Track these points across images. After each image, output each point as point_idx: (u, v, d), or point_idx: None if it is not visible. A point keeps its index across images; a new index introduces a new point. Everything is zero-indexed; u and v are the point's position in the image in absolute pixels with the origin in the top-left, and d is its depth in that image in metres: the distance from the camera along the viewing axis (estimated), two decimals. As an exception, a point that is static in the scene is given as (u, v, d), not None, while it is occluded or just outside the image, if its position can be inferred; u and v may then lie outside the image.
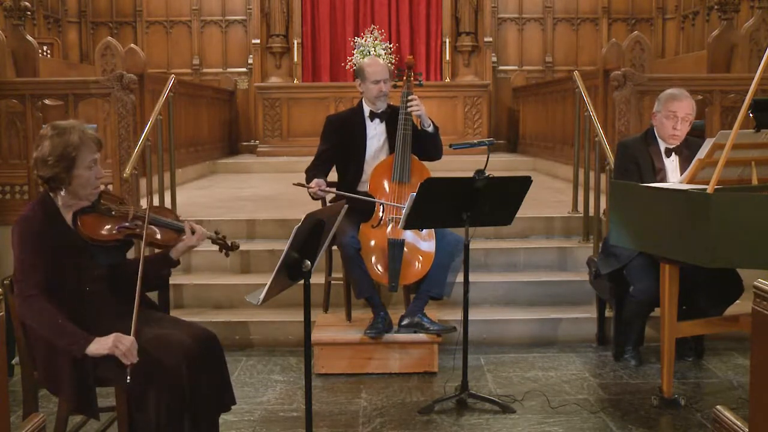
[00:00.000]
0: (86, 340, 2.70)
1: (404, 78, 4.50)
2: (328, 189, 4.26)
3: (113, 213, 2.93)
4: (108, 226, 2.90)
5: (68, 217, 2.88)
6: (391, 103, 4.56)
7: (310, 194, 4.29)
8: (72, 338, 2.70)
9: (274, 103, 10.64)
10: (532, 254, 5.33)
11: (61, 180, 2.81)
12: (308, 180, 4.35)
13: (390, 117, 4.47)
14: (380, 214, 4.29)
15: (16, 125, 5.70)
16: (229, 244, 3.15)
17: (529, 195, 3.75)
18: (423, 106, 4.36)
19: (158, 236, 2.99)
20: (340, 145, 4.47)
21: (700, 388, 4.01)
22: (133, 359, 2.68)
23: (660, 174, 4.10)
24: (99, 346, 2.69)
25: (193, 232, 3.01)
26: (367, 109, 4.50)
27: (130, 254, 3.17)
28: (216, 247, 3.18)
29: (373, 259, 4.20)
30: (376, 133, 4.49)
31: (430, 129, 4.40)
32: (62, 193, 2.85)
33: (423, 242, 4.22)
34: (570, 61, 12.05)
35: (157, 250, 3.12)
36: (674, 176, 4.10)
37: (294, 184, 4.33)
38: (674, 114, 4.05)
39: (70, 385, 2.76)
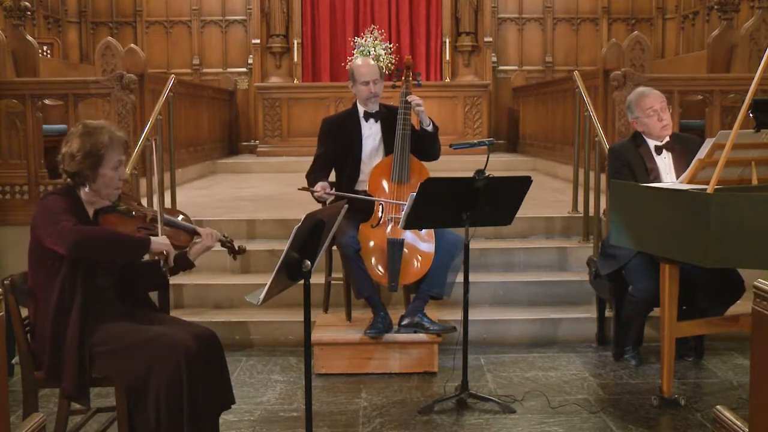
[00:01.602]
0: (147, 240, 2.89)
1: (403, 78, 4.50)
2: (331, 192, 4.25)
3: (133, 213, 3.02)
4: (128, 226, 2.98)
5: (90, 213, 2.94)
6: (389, 103, 4.56)
7: (315, 198, 4.30)
8: (136, 240, 2.89)
9: (274, 103, 10.63)
10: (531, 254, 5.33)
11: (86, 176, 2.88)
12: (311, 184, 4.36)
13: (385, 117, 4.47)
14: (380, 214, 4.29)
15: (16, 125, 5.71)
16: (237, 248, 3.21)
17: (529, 195, 3.75)
18: (423, 104, 4.36)
19: (173, 238, 3.04)
20: (336, 147, 4.47)
21: (700, 388, 4.01)
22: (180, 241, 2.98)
23: (653, 174, 4.11)
24: (157, 243, 2.91)
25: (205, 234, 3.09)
26: (361, 110, 4.50)
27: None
28: (224, 250, 3.25)
29: (373, 259, 4.20)
30: (371, 133, 4.49)
31: (430, 128, 4.40)
32: (85, 189, 2.92)
33: (422, 242, 4.22)
34: (570, 61, 12.04)
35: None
36: (667, 175, 4.11)
37: (299, 189, 4.35)
38: (653, 109, 4.09)
39: (71, 373, 2.79)
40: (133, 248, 2.89)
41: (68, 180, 2.93)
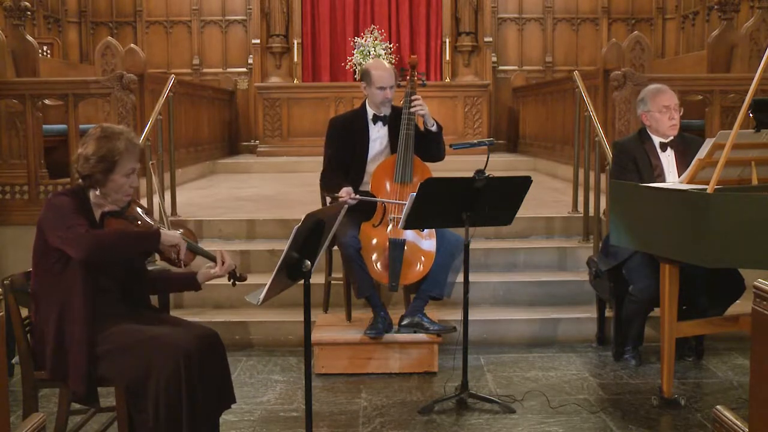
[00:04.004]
0: (157, 233, 2.90)
1: (407, 78, 4.48)
2: (357, 197, 4.21)
3: (139, 223, 2.98)
4: None
5: (97, 215, 2.94)
6: (393, 104, 4.55)
7: (340, 202, 4.23)
8: (146, 234, 2.92)
9: (274, 103, 10.63)
10: (532, 254, 5.33)
11: (97, 180, 2.88)
12: (330, 188, 4.33)
13: (392, 119, 4.46)
14: (381, 213, 4.29)
15: (16, 125, 5.71)
16: (238, 275, 3.15)
17: (529, 195, 3.75)
18: (426, 106, 4.36)
19: (176, 254, 3.01)
20: (343, 147, 4.46)
21: (700, 388, 4.01)
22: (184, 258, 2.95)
23: (657, 170, 4.12)
24: (169, 236, 2.92)
25: (222, 262, 3.06)
26: (370, 112, 4.48)
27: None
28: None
29: (374, 258, 4.20)
30: (378, 136, 4.48)
31: (434, 128, 4.39)
32: (95, 192, 2.92)
33: (424, 241, 4.22)
34: (570, 61, 12.04)
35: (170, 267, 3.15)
36: (671, 172, 4.13)
37: (328, 196, 4.31)
38: (666, 107, 4.11)
39: (80, 376, 2.78)
40: (144, 243, 2.92)
41: (80, 180, 2.93)
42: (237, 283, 3.15)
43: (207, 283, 3.14)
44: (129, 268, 3.00)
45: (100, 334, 2.82)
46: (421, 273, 4.20)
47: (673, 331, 3.66)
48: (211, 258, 3.06)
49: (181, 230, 3.12)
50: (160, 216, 2.98)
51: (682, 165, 4.06)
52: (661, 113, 4.11)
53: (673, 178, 4.08)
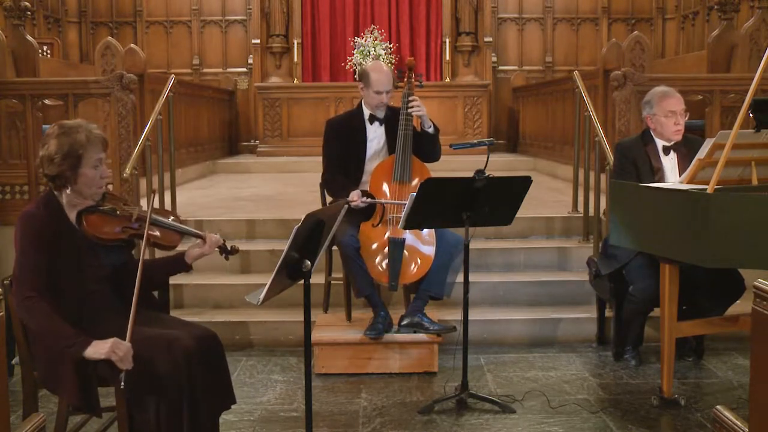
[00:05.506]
0: (84, 342, 2.70)
1: (405, 79, 4.49)
2: (366, 200, 4.22)
3: (117, 213, 2.95)
4: (112, 226, 2.92)
5: (72, 216, 2.89)
6: (391, 105, 4.55)
7: (351, 206, 4.19)
8: (69, 340, 2.70)
9: (274, 103, 10.64)
10: (532, 254, 5.33)
11: (67, 178, 2.83)
12: (336, 192, 4.34)
13: (389, 119, 4.46)
14: (381, 213, 4.29)
15: (16, 125, 5.71)
16: (229, 248, 3.16)
17: (529, 195, 3.75)
18: (424, 107, 4.36)
19: (160, 238, 3.02)
20: (340, 147, 4.46)
21: (700, 388, 4.01)
22: (129, 365, 2.68)
23: (658, 174, 4.11)
24: (96, 349, 2.68)
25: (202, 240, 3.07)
26: (366, 112, 4.48)
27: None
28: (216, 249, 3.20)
29: (373, 258, 4.20)
30: (375, 135, 4.48)
31: (431, 130, 4.40)
32: (67, 191, 2.87)
33: (423, 245, 4.21)
34: (570, 61, 12.04)
35: (159, 252, 3.14)
36: (673, 174, 4.11)
37: (343, 203, 4.30)
38: (673, 112, 4.08)
39: (73, 384, 2.75)
40: (63, 347, 2.70)
41: (49, 183, 2.88)
42: (229, 256, 3.16)
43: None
44: (114, 266, 2.96)
45: (98, 336, 2.81)
46: (420, 272, 4.19)
47: (673, 331, 3.66)
48: (198, 236, 3.07)
49: (172, 218, 3.13)
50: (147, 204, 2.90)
51: (684, 167, 4.03)
52: (667, 118, 4.08)
53: (675, 181, 4.07)
